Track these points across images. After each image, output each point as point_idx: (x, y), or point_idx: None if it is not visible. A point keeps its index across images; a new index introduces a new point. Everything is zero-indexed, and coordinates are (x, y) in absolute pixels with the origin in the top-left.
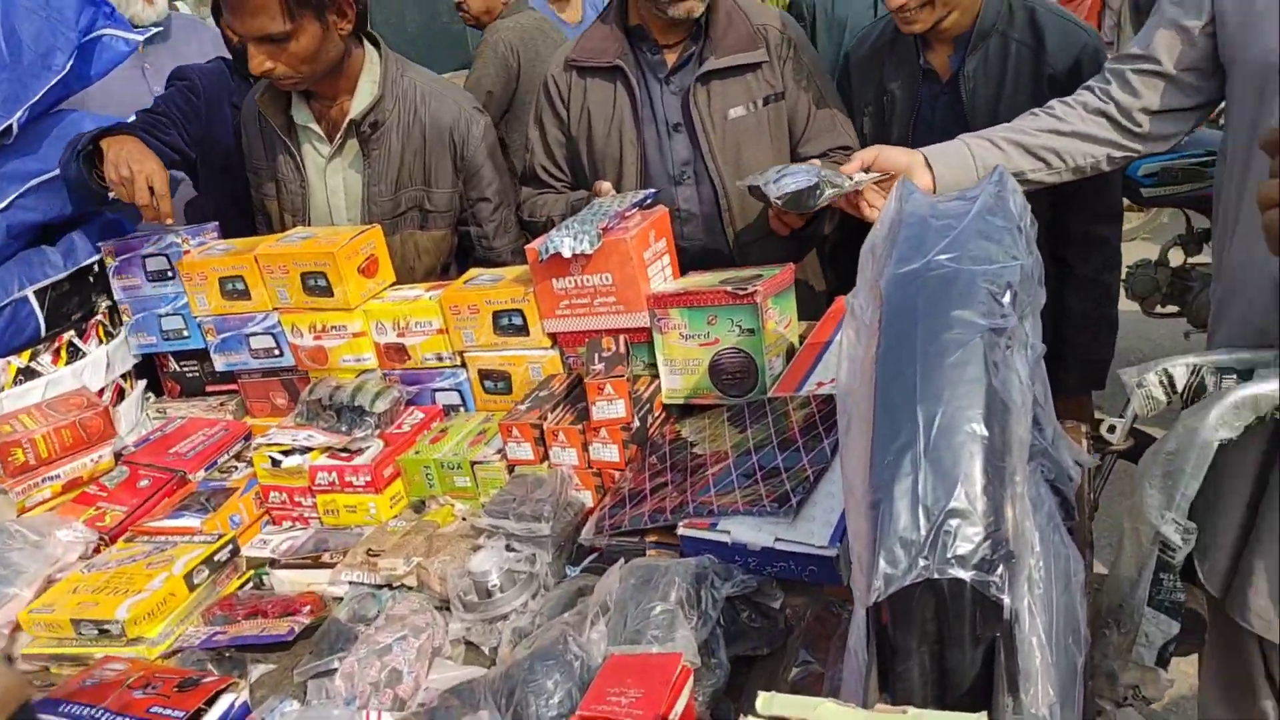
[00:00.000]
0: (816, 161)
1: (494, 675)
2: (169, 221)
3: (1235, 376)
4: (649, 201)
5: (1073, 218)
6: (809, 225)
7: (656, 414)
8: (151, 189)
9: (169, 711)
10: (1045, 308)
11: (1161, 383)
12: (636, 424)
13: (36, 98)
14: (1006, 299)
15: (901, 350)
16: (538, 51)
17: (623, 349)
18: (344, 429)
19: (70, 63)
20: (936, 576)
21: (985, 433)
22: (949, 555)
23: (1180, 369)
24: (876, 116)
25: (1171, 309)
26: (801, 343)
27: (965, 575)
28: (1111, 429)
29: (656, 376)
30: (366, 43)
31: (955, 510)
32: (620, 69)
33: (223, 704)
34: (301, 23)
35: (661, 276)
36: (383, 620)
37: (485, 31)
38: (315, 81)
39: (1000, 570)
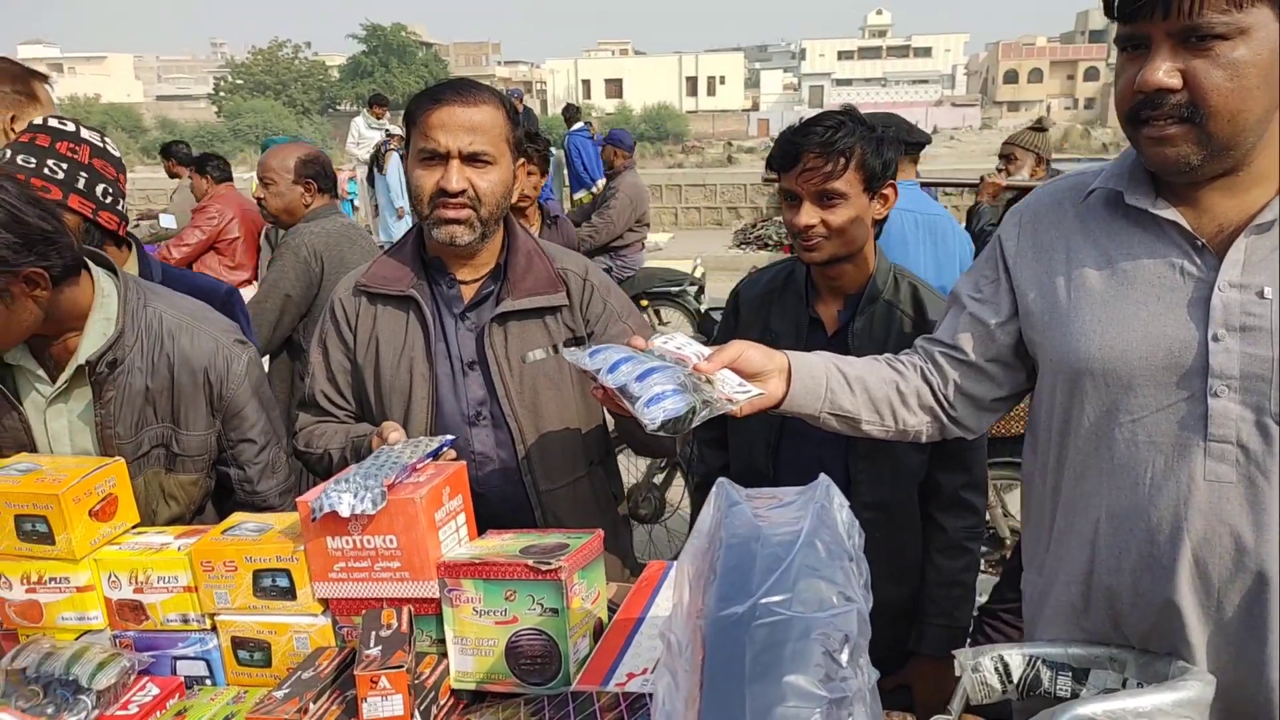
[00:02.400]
0: (679, 353)
1: None
2: None
3: (1070, 675)
4: (443, 449)
5: (944, 477)
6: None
7: (443, 702)
8: None
9: None
10: (911, 568)
11: (997, 669)
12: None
13: None
14: (845, 655)
15: None
16: (343, 258)
17: (405, 626)
18: (50, 710)
19: None
20: None
21: None
22: None
23: (1016, 658)
24: None
25: None
26: (612, 614)
27: None
28: None
29: (445, 656)
30: (100, 272)
31: None
32: (414, 299)
33: None
34: None
35: (455, 539)
36: None
37: (288, 234)
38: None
39: None
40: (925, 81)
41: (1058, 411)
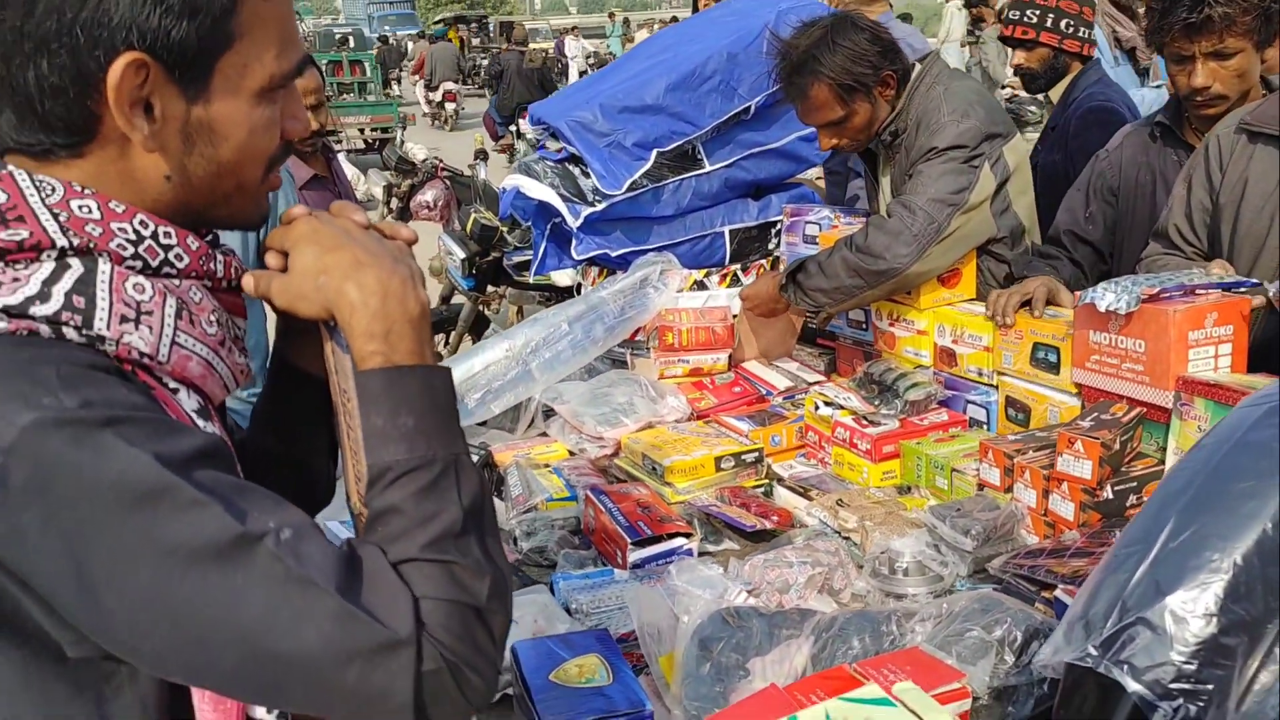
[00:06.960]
0: None
1: (829, 617)
2: None
3: None
4: (1246, 288)
5: None
6: None
7: (1145, 499)
8: None
9: (641, 525)
10: None
11: None
12: (1109, 497)
13: (776, 86)
14: None
15: (1203, 455)
16: None
17: (1128, 419)
18: (875, 403)
19: None
20: (1097, 668)
21: (1229, 572)
22: (1120, 656)
23: None
24: None
25: None
26: None
27: (1130, 683)
28: None
29: (1163, 463)
30: None
31: (1148, 621)
32: None
33: (676, 543)
34: (854, 105)
35: (1209, 364)
36: (803, 545)
37: None
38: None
39: (1179, 704)
40: None
41: None
